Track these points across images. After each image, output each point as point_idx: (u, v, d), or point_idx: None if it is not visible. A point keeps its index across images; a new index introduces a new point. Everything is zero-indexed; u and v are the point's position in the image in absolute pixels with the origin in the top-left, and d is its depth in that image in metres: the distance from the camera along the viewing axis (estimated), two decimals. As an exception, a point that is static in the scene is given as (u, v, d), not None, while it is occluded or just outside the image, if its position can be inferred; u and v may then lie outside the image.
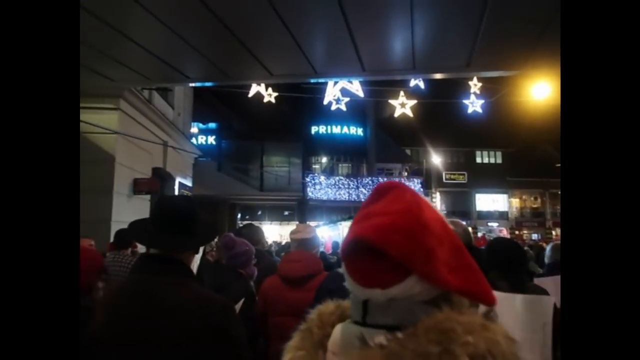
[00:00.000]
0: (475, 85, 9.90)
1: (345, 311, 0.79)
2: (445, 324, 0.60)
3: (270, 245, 9.48)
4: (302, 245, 2.47)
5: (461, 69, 4.97)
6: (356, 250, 0.68)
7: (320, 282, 2.02)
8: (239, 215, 20.54)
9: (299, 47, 4.40)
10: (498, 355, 0.57)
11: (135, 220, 1.59)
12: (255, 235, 3.59)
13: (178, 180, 9.44)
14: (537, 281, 2.64)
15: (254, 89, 10.46)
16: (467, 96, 10.11)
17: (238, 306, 2.12)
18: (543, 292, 1.87)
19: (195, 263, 2.58)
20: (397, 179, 21.22)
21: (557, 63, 4.78)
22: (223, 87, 8.58)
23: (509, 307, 1.08)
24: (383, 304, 0.67)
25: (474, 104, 10.09)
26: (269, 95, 10.85)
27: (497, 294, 1.19)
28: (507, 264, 1.82)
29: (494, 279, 1.65)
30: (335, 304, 0.82)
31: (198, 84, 6.21)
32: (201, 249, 2.71)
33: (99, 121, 5.79)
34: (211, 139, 21.71)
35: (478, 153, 29.68)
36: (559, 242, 4.20)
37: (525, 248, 7.11)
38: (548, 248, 3.84)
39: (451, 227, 0.74)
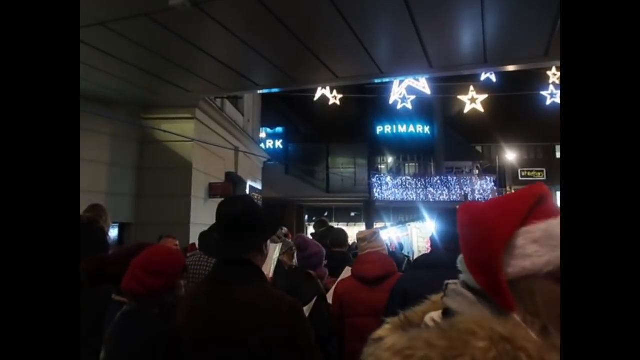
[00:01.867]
0: (554, 74, 9.19)
1: (437, 305, 0.83)
2: (464, 325, 0.61)
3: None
4: (370, 243, 2.47)
5: (539, 59, 4.64)
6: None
7: (395, 282, 1.99)
8: (306, 217, 20.90)
9: (363, 48, 4.38)
10: None
11: (204, 231, 1.64)
12: (341, 237, 3.62)
13: (249, 183, 9.83)
14: None
15: (319, 93, 10.58)
16: (545, 87, 9.41)
17: (310, 307, 2.15)
18: None
19: (272, 264, 2.66)
20: (467, 178, 20.36)
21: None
22: (289, 92, 8.80)
23: None
24: (456, 290, 0.73)
25: (553, 95, 9.37)
26: (334, 98, 10.93)
27: None
28: None
29: None
30: (429, 301, 0.86)
31: (266, 91, 6.43)
32: (278, 251, 2.79)
33: (178, 130, 6.21)
34: (278, 143, 22.34)
35: (558, 148, 27.50)
36: None
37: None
38: None
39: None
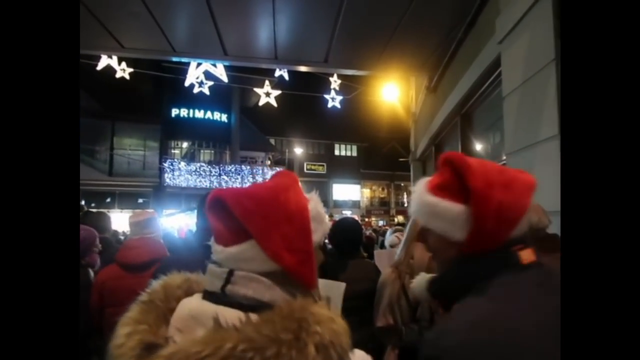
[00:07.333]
0: (335, 81, 10.54)
1: (193, 285, 0.77)
2: (300, 314, 0.64)
3: (121, 233, 8.66)
4: (139, 227, 2.34)
5: (319, 64, 5.24)
6: (215, 208, 0.72)
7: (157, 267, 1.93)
8: (83, 202, 18.22)
9: (154, 19, 4.08)
10: (338, 347, 0.63)
11: None
12: (100, 222, 3.31)
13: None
14: (376, 252, 3.17)
15: (104, 62, 9.40)
16: (328, 91, 10.73)
17: None
18: (367, 265, 2.45)
19: None
20: (260, 168, 21.42)
21: (403, 67, 5.40)
22: (63, 54, 7.46)
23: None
24: (247, 276, 0.68)
25: (333, 99, 10.75)
26: (122, 71, 9.90)
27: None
28: (343, 239, 2.40)
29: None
30: (182, 277, 0.79)
31: (28, 47, 5.27)
32: None
33: None
34: (48, 114, 18.74)
35: (337, 146, 31.70)
36: (396, 226, 4.84)
37: (369, 232, 7.92)
38: (388, 232, 4.38)
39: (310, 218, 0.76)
